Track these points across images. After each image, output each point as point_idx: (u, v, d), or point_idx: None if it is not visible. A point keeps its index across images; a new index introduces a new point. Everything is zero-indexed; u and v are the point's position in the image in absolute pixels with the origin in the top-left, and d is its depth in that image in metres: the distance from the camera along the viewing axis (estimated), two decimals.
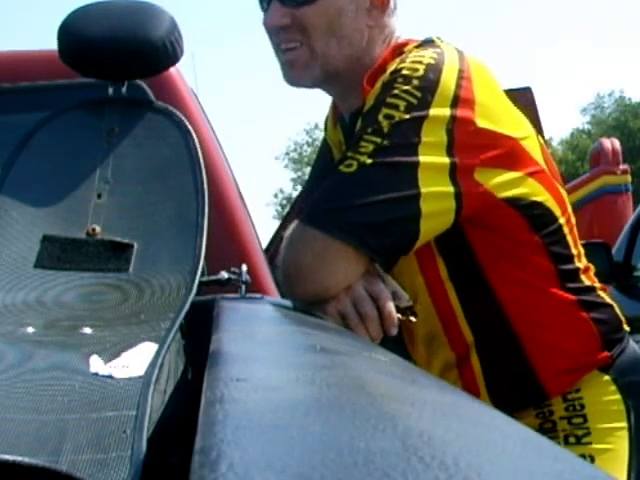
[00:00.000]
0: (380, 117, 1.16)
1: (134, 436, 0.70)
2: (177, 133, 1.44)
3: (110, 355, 0.96)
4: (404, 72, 1.18)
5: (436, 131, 1.15)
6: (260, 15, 1.35)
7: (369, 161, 1.13)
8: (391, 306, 1.17)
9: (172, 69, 1.73)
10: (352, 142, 1.18)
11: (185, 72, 1.94)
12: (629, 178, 7.03)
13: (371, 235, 1.12)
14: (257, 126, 61.49)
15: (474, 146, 1.18)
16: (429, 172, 1.14)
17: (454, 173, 1.15)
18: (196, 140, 1.42)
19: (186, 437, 0.55)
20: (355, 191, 1.12)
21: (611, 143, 7.08)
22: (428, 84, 1.17)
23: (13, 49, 2.08)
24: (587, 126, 36.53)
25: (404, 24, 1.35)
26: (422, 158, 1.14)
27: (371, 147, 1.14)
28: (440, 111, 1.16)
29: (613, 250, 4.55)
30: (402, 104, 1.16)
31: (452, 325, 1.31)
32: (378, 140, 1.14)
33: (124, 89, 1.49)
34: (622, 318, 1.35)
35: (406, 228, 1.14)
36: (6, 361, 0.96)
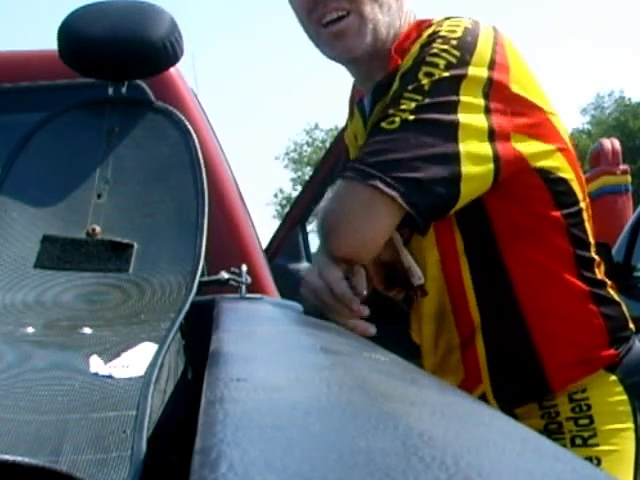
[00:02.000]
0: (420, 75, 1.17)
1: (134, 436, 0.70)
2: (177, 133, 1.44)
3: (110, 355, 0.96)
4: (442, 34, 1.20)
5: (474, 91, 1.16)
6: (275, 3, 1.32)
7: (411, 117, 1.14)
8: (345, 290, 1.15)
9: (172, 69, 1.73)
10: (392, 100, 1.18)
11: (185, 72, 1.94)
12: (629, 178, 7.03)
13: (415, 192, 1.12)
14: (257, 126, 61.55)
15: (509, 111, 1.19)
16: (469, 131, 1.15)
17: (492, 135, 1.16)
18: (196, 140, 1.42)
19: (186, 437, 0.55)
20: (398, 146, 1.13)
21: (611, 143, 7.08)
22: (466, 45, 1.19)
23: (13, 49, 2.08)
24: (587, 126, 36.55)
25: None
26: (462, 117, 1.15)
27: (413, 104, 1.14)
28: (478, 71, 1.17)
29: (613, 250, 4.55)
30: (442, 62, 1.17)
31: (461, 304, 1.29)
32: (419, 97, 1.15)
33: (124, 89, 1.49)
34: (628, 318, 1.34)
35: (447, 188, 1.14)
36: (6, 361, 0.96)
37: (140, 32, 1.43)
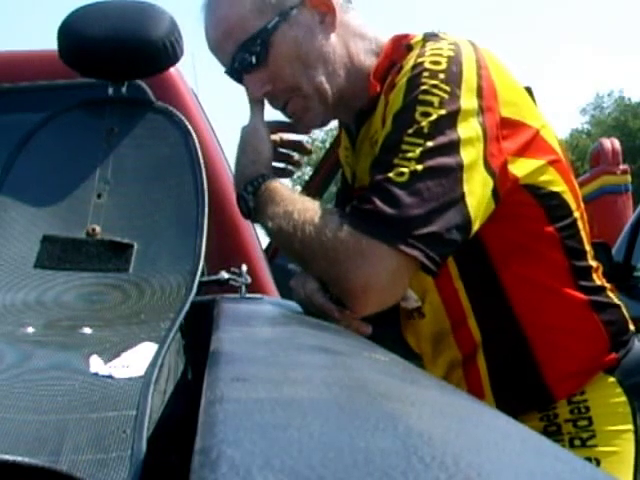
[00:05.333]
0: (417, 116, 1.15)
1: (134, 436, 0.70)
2: (177, 133, 1.44)
3: (110, 355, 0.96)
4: (427, 66, 1.18)
5: (470, 124, 1.16)
6: None
7: (419, 167, 1.12)
8: (322, 301, 1.15)
9: (172, 69, 1.73)
10: (391, 144, 1.16)
11: (185, 72, 1.94)
12: (629, 178, 7.03)
13: (434, 246, 1.11)
14: None
15: (501, 136, 1.18)
16: (472, 170, 1.14)
17: (490, 165, 1.16)
18: (196, 140, 1.42)
19: (186, 437, 0.55)
20: (413, 202, 1.11)
21: (611, 143, 7.07)
22: (453, 77, 1.17)
23: (13, 49, 2.08)
24: (587, 126, 36.54)
25: (413, 27, 1.34)
26: (465, 156, 1.14)
27: (418, 150, 1.13)
28: (469, 103, 1.16)
29: (613, 250, 4.55)
30: (435, 100, 1.15)
31: (461, 324, 1.30)
32: (421, 141, 1.13)
33: (124, 89, 1.49)
34: (628, 318, 1.34)
35: (461, 233, 1.13)
36: (6, 361, 0.96)
37: (140, 32, 1.43)
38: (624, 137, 27.05)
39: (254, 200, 1.22)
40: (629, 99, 35.07)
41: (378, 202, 1.12)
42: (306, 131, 1.36)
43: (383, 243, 1.10)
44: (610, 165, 6.88)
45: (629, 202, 6.88)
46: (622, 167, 6.96)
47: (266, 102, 1.33)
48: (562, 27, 60.02)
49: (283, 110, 1.31)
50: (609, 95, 36.43)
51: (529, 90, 1.32)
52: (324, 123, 1.35)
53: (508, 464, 0.39)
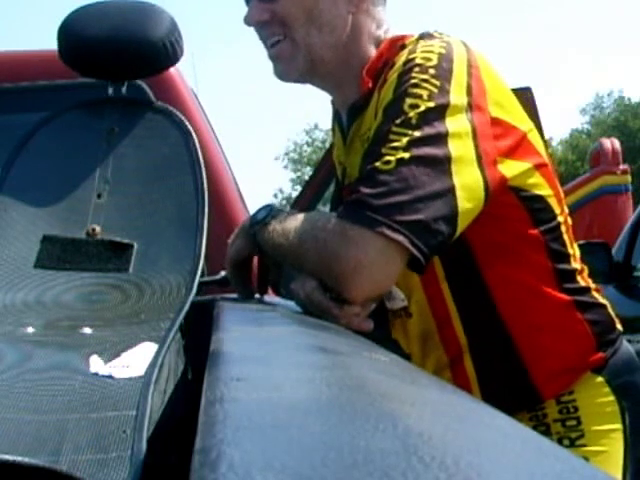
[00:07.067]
0: (405, 107, 1.16)
1: (134, 436, 0.70)
2: (177, 133, 1.44)
3: (110, 355, 0.96)
4: (418, 61, 1.19)
5: (459, 119, 1.16)
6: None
7: (406, 156, 1.12)
8: (320, 299, 1.15)
9: (172, 69, 1.73)
10: (379, 136, 1.17)
11: (185, 72, 1.94)
12: (629, 178, 7.03)
13: (419, 234, 1.10)
14: (257, 126, 61.58)
15: (491, 135, 1.19)
16: (461, 164, 1.14)
17: (481, 162, 1.16)
18: (196, 140, 1.42)
19: (186, 437, 0.55)
20: (399, 188, 1.11)
21: (611, 143, 7.07)
22: (444, 73, 1.18)
23: (13, 49, 2.08)
24: (586, 126, 36.54)
25: (411, 25, 1.34)
26: (453, 149, 1.14)
27: (404, 140, 1.13)
28: (459, 99, 1.17)
29: (613, 250, 4.55)
30: (424, 93, 1.16)
31: (446, 325, 1.30)
32: (409, 132, 1.14)
33: (124, 89, 1.49)
34: (615, 318, 1.34)
35: (447, 226, 1.13)
36: (6, 361, 0.96)
37: (140, 32, 1.43)
38: (624, 137, 27.02)
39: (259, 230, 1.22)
40: (629, 99, 35.05)
41: (364, 189, 1.13)
42: (279, 77, 1.34)
43: (367, 228, 1.10)
44: (610, 165, 6.88)
45: (629, 202, 6.88)
46: (622, 167, 6.96)
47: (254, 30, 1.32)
48: (562, 27, 60.03)
49: (267, 47, 1.31)
50: (609, 95, 36.41)
51: (529, 90, 1.32)
52: (298, 80, 1.34)
53: (508, 464, 0.39)
